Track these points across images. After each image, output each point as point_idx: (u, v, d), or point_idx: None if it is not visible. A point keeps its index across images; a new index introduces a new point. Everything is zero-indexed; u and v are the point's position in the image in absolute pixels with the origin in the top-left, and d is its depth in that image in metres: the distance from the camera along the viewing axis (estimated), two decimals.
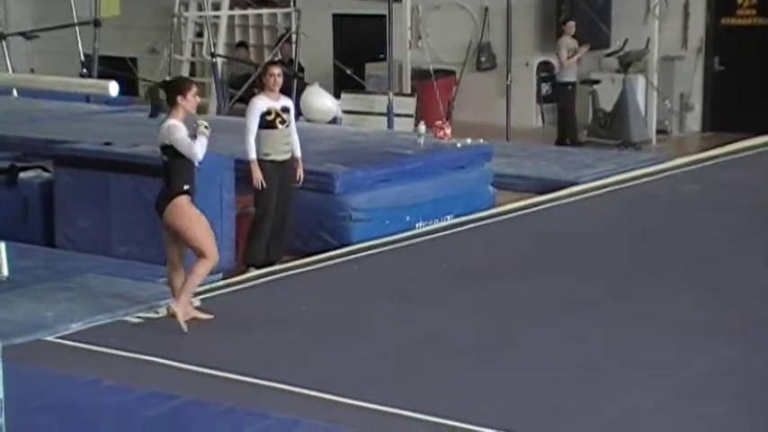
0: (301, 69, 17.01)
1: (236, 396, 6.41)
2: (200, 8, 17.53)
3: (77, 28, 17.56)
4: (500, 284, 8.68)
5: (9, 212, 10.28)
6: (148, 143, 9.09)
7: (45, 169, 10.65)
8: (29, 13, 20.48)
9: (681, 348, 7.20)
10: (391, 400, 6.29)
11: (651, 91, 16.37)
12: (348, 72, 17.24)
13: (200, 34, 18.02)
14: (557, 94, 16.68)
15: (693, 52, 17.05)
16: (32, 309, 7.95)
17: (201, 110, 16.76)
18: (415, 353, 7.19)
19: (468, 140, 11.79)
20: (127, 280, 8.66)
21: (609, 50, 16.87)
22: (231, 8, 18.33)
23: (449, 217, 10.86)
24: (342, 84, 17.23)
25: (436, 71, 16.42)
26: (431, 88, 15.93)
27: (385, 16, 15.53)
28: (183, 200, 7.65)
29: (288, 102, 9.83)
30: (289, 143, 9.69)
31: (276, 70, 9.70)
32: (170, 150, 7.63)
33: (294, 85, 15.28)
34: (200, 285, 8.54)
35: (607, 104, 16.13)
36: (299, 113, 12.02)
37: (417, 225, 10.61)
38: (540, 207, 11.31)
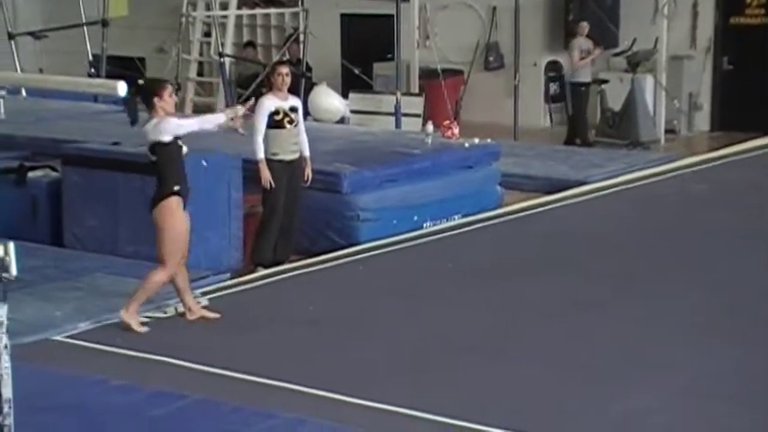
0: (309, 69, 17.02)
1: (243, 396, 6.42)
2: (209, 8, 17.54)
3: (86, 28, 17.59)
4: (507, 284, 8.68)
5: (18, 212, 10.30)
6: None
7: (53, 169, 10.67)
8: (37, 12, 20.52)
9: (686, 348, 7.20)
10: (398, 399, 6.29)
11: (660, 90, 16.36)
12: (356, 72, 17.25)
13: (207, 34, 18.04)
14: (569, 95, 16.67)
15: (702, 52, 17.03)
16: (41, 308, 7.98)
17: (209, 109, 16.81)
18: (422, 352, 7.20)
19: (476, 140, 11.79)
20: (135, 280, 8.62)
21: (617, 50, 16.86)
22: (239, 8, 18.34)
23: (456, 217, 10.87)
24: (350, 83, 17.25)
25: (444, 71, 16.42)
26: (439, 88, 15.93)
27: (393, 16, 15.55)
28: (172, 201, 7.60)
29: (296, 101, 9.83)
30: (297, 143, 9.70)
31: (284, 70, 9.70)
32: (159, 149, 7.59)
33: (302, 85, 15.30)
34: (208, 285, 8.59)
35: (615, 104, 16.12)
36: (306, 113, 12.03)
37: (425, 225, 10.62)
38: (547, 207, 11.31)
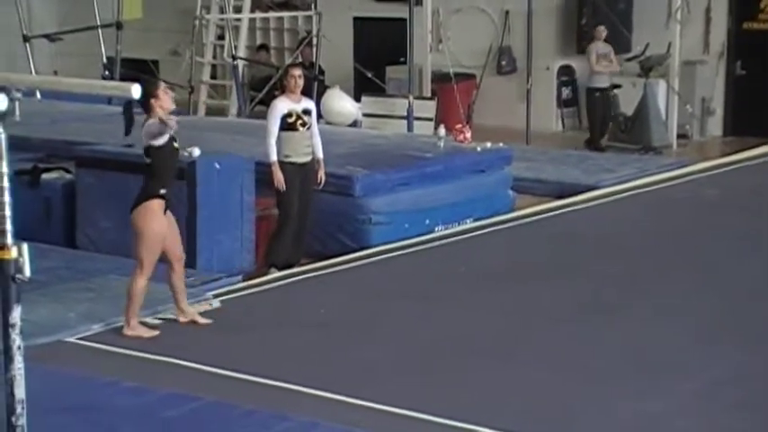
0: (322, 72, 17.04)
1: (255, 398, 6.44)
2: (222, 11, 17.58)
3: (100, 30, 17.64)
4: (519, 287, 8.69)
5: (31, 213, 10.31)
6: None
7: (67, 170, 10.71)
8: (52, 15, 20.57)
9: (698, 352, 7.20)
10: (409, 402, 6.30)
11: (672, 95, 16.32)
12: (368, 75, 17.25)
13: (221, 37, 18.07)
14: (585, 100, 16.65)
15: (715, 56, 17.00)
16: (54, 309, 8.00)
17: (221, 112, 16.86)
18: (433, 355, 7.21)
19: (488, 144, 11.79)
20: None
21: (630, 55, 16.83)
22: (252, 11, 18.36)
23: (468, 220, 10.88)
24: (362, 87, 17.25)
25: (456, 75, 16.42)
26: (451, 92, 15.93)
27: (406, 19, 15.55)
28: (155, 204, 7.55)
29: (309, 104, 9.82)
30: (309, 145, 9.69)
31: (297, 72, 9.69)
32: (153, 152, 7.57)
33: (315, 88, 15.32)
34: (220, 287, 8.60)
35: (628, 109, 16.09)
36: (319, 116, 12.05)
37: (437, 228, 10.62)
38: (559, 211, 11.31)
